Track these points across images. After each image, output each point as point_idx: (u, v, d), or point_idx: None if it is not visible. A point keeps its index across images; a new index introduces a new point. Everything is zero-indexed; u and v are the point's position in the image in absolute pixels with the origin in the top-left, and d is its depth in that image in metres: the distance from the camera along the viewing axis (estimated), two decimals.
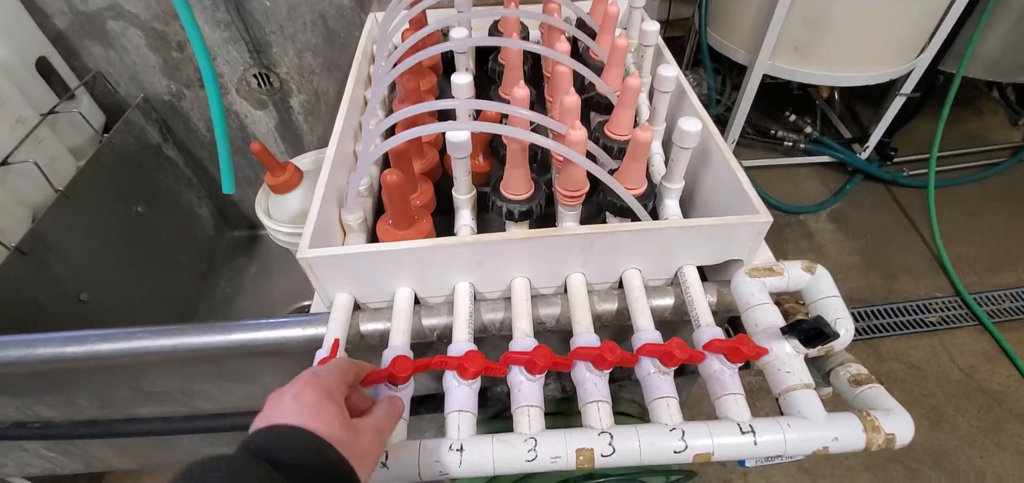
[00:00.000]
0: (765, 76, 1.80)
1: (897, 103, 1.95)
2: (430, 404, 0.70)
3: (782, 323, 0.53)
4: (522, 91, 0.61)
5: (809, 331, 0.49)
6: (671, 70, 0.67)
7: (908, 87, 1.88)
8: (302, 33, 0.98)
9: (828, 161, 2.21)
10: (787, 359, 0.51)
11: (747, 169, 2.19)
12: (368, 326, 0.59)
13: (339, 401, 0.40)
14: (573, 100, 0.61)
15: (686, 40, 2.32)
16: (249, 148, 0.92)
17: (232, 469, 0.31)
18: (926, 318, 1.78)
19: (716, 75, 2.14)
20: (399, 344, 0.55)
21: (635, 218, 0.61)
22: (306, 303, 1.26)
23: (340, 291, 0.59)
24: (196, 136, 1.16)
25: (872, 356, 1.69)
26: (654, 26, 0.76)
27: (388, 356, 0.52)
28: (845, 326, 0.54)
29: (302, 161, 1.06)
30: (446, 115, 0.65)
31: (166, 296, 1.13)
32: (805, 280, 0.58)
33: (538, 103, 0.81)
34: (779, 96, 2.20)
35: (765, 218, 0.56)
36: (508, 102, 0.60)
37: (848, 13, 1.59)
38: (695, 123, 0.57)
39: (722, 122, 2.09)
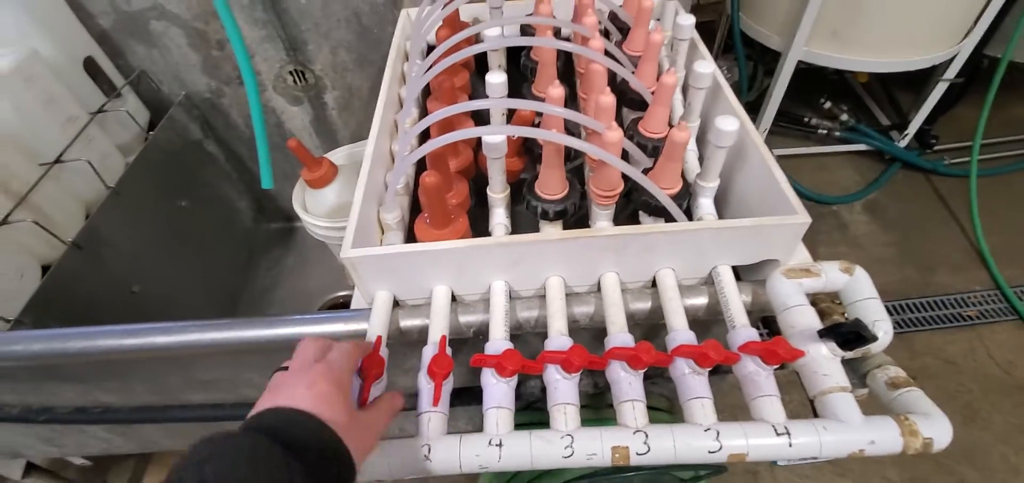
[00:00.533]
0: (800, 62, 1.75)
1: (939, 89, 1.88)
2: (465, 397, 0.72)
3: (818, 325, 0.53)
4: (557, 91, 0.61)
5: (847, 335, 0.49)
6: (707, 66, 0.67)
7: (951, 72, 1.81)
8: (336, 30, 1.00)
9: (864, 149, 2.15)
10: (823, 362, 0.51)
11: (779, 158, 2.14)
12: (407, 322, 0.62)
13: (347, 390, 0.44)
14: (609, 100, 0.61)
15: (717, 24, 2.27)
16: (286, 144, 0.95)
17: (250, 444, 0.34)
18: (963, 312, 1.73)
19: (748, 61, 2.10)
20: (436, 339, 0.57)
21: (669, 217, 0.61)
22: (342, 294, 1.30)
23: (380, 288, 0.61)
24: (235, 132, 1.19)
25: (906, 351, 1.65)
26: (689, 20, 0.75)
27: (427, 353, 0.54)
28: (883, 329, 0.53)
29: (336, 155, 1.09)
30: (479, 113, 0.66)
31: (209, 287, 1.18)
32: (843, 281, 0.58)
33: (571, 99, 0.81)
34: (813, 81, 2.14)
35: (804, 219, 0.55)
36: (542, 100, 0.61)
37: None
38: (733, 122, 0.57)
39: (754, 109, 2.05)
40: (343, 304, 1.32)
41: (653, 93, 0.65)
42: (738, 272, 0.64)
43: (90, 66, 1.02)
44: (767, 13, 1.79)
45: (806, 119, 2.15)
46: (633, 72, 0.74)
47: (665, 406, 0.92)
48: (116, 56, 1.04)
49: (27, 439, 0.96)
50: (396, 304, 0.63)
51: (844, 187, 2.10)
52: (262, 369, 0.77)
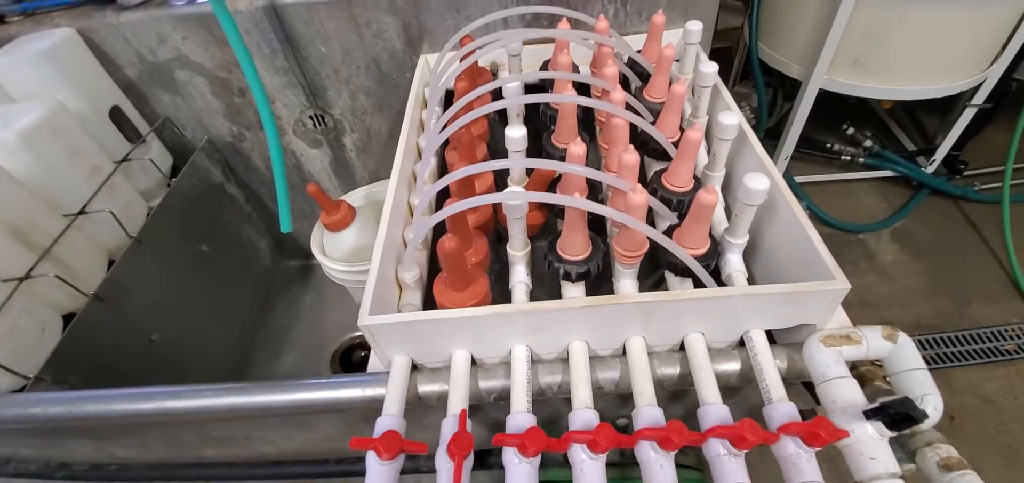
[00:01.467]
0: (821, 90, 1.72)
1: (967, 115, 1.83)
2: (484, 460, 0.70)
3: (862, 399, 0.50)
4: (578, 148, 0.60)
5: (896, 415, 0.46)
6: (733, 118, 0.64)
7: (979, 98, 1.77)
8: (356, 76, 1.00)
9: (890, 175, 2.09)
10: (870, 443, 0.47)
11: (802, 184, 2.11)
12: (426, 388, 0.60)
13: None
14: (632, 158, 0.59)
15: (734, 51, 2.25)
16: (306, 189, 0.94)
17: None
18: (1002, 346, 1.65)
19: (767, 88, 2.07)
20: (456, 411, 0.55)
21: (697, 278, 0.59)
22: (359, 334, 1.29)
23: (398, 353, 0.59)
24: (256, 174, 1.20)
25: (943, 388, 1.56)
26: (712, 67, 0.73)
27: (446, 429, 0.52)
28: (933, 404, 0.50)
29: (354, 196, 1.09)
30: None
31: (228, 328, 1.18)
32: (886, 349, 0.54)
33: (592, 148, 0.80)
34: (835, 107, 2.10)
35: (842, 286, 0.53)
36: (563, 152, 0.59)
37: (913, 25, 1.50)
38: (763, 180, 0.55)
39: (775, 135, 2.01)
40: (361, 344, 1.31)
41: (677, 146, 0.63)
42: (773, 334, 0.61)
43: (115, 115, 1.03)
44: (786, 42, 1.77)
45: (829, 145, 2.11)
46: (653, 122, 0.73)
47: (693, 462, 0.88)
48: (141, 104, 1.06)
49: None
50: (415, 367, 0.62)
51: (871, 214, 2.05)
52: (276, 427, 0.76)
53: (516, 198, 0.56)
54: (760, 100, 1.97)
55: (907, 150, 2.13)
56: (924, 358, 1.66)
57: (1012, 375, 1.61)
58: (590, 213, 0.66)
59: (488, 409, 0.67)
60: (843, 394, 0.51)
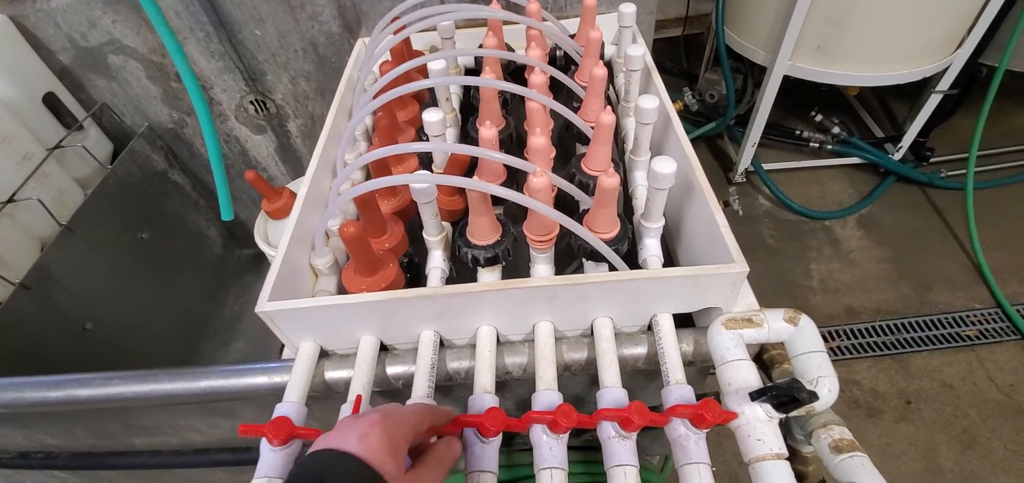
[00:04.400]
0: (786, 76, 1.72)
1: (933, 101, 1.83)
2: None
3: (757, 382, 0.50)
4: (489, 132, 0.59)
5: (782, 397, 0.46)
6: (652, 101, 0.64)
7: (944, 84, 1.77)
8: (294, 60, 0.98)
9: (858, 162, 2.10)
10: (758, 425, 0.47)
11: (770, 172, 2.11)
12: (333, 374, 0.59)
13: (401, 452, 0.40)
14: (540, 142, 0.59)
15: (706, 37, 2.24)
16: (243, 176, 0.93)
17: None
18: (962, 332, 1.67)
19: (737, 74, 2.06)
20: (365, 396, 0.54)
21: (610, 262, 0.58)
22: None
23: (305, 340, 0.59)
24: (201, 161, 1.18)
25: (901, 373, 1.60)
26: (638, 50, 0.72)
27: (344, 413, 0.51)
28: (827, 386, 0.50)
29: (300, 184, 1.07)
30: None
31: (174, 317, 1.16)
32: (788, 332, 0.54)
33: (519, 135, 0.79)
34: (804, 93, 2.10)
35: (741, 269, 0.52)
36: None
37: (875, 10, 1.50)
38: (669, 164, 0.54)
39: (744, 122, 2.01)
40: None
41: (593, 132, 0.62)
42: (695, 320, 0.61)
43: (51, 101, 1.01)
44: (751, 28, 1.76)
45: (797, 132, 2.11)
46: (576, 108, 0.72)
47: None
48: (78, 90, 1.03)
49: None
50: (326, 354, 0.61)
51: (838, 201, 2.06)
52: (198, 415, 0.75)
53: (420, 181, 0.55)
54: (728, 87, 1.96)
55: (875, 137, 2.13)
56: (884, 344, 1.65)
57: (972, 360, 1.62)
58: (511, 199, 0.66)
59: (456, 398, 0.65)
60: (738, 376, 0.50)
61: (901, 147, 1.99)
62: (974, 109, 1.91)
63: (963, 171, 1.91)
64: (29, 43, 0.96)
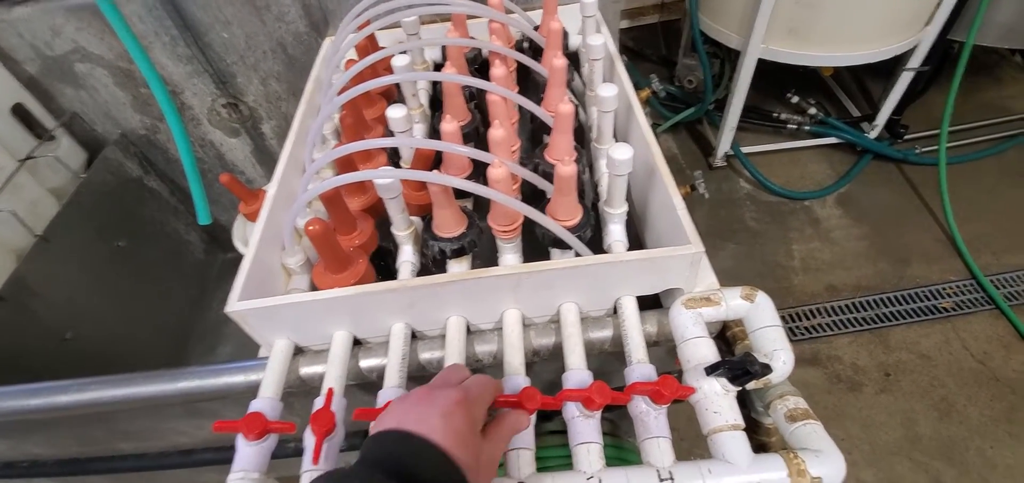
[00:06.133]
0: (761, 60, 1.74)
1: (905, 78, 1.86)
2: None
3: (714, 358, 0.52)
4: (450, 126, 0.60)
5: (735, 370, 0.48)
6: (610, 90, 0.65)
7: (915, 61, 1.80)
8: (264, 62, 0.99)
9: (835, 142, 2.13)
10: (715, 398, 0.49)
11: (749, 154, 2.13)
12: (308, 370, 0.60)
13: (479, 432, 0.39)
14: (499, 134, 0.60)
15: (682, 23, 2.25)
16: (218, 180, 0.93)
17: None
18: (939, 304, 1.71)
19: (714, 59, 2.08)
20: (337, 389, 0.55)
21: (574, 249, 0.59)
22: None
23: (279, 337, 0.60)
24: (177, 166, 1.18)
25: (880, 347, 1.63)
26: (599, 40, 0.73)
27: (316, 407, 0.52)
28: (782, 359, 0.52)
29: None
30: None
31: (157, 324, 1.16)
32: (744, 309, 0.56)
33: (485, 128, 0.80)
34: (780, 76, 2.12)
35: (696, 249, 0.54)
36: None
37: None
38: (625, 150, 0.55)
39: (722, 107, 2.03)
40: None
41: (554, 122, 0.64)
42: (661, 298, 0.63)
43: (20, 112, 1.00)
44: (724, 13, 1.78)
45: (775, 114, 2.13)
46: (540, 99, 0.73)
47: (608, 429, 0.90)
48: (47, 100, 1.03)
49: None
50: (301, 350, 0.62)
51: (817, 181, 2.09)
52: (182, 418, 0.76)
53: (383, 176, 0.56)
54: (705, 72, 1.97)
55: (851, 116, 2.16)
56: (864, 319, 1.68)
57: (948, 331, 1.66)
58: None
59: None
60: (697, 353, 0.52)
61: (876, 125, 2.02)
62: (946, 86, 1.95)
63: (936, 147, 1.94)
64: None
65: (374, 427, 0.38)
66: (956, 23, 1.77)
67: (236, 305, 0.55)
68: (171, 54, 0.95)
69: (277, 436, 0.53)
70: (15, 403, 0.62)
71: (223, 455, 0.78)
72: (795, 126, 2.11)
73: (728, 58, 2.10)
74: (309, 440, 0.50)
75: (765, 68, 1.78)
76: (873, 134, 2.05)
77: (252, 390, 0.60)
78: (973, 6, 1.72)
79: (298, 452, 0.62)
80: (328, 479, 0.32)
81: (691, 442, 1.29)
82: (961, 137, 2.09)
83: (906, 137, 2.05)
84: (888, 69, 1.92)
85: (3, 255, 0.92)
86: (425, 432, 0.35)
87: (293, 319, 0.57)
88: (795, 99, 2.13)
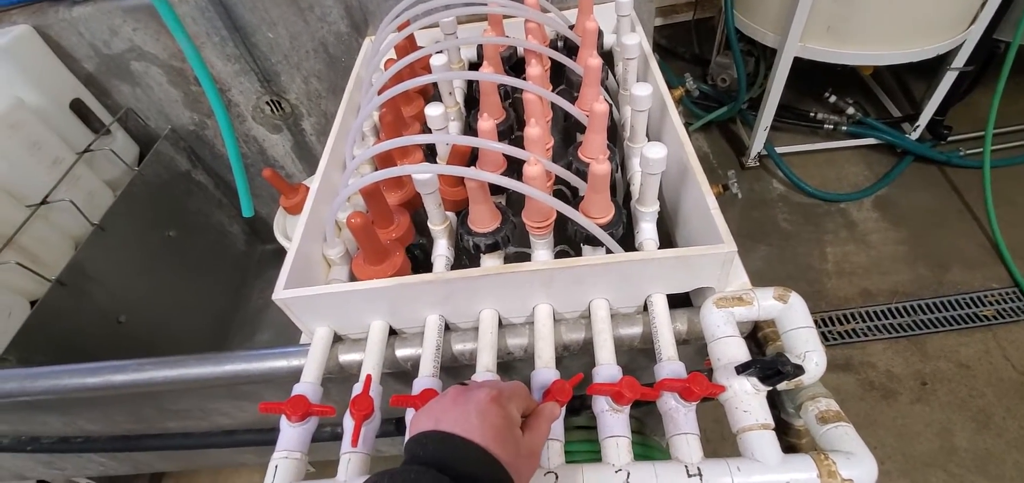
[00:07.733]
0: (797, 58, 1.70)
1: (949, 78, 1.80)
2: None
3: (745, 357, 0.52)
4: (487, 124, 0.62)
5: (767, 370, 0.48)
6: (644, 89, 0.66)
7: (959, 61, 1.73)
8: (306, 61, 1.02)
9: (874, 143, 2.07)
10: (745, 397, 0.50)
11: (784, 155, 2.09)
12: (346, 357, 0.63)
13: (518, 429, 0.40)
14: (535, 132, 0.61)
15: (716, 21, 2.22)
16: (261, 175, 0.97)
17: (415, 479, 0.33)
18: (980, 312, 1.65)
19: (749, 57, 2.05)
20: (375, 376, 0.58)
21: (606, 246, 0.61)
22: None
23: (320, 325, 0.63)
24: (222, 161, 1.23)
25: (917, 354, 1.59)
26: (634, 39, 0.74)
27: (355, 392, 0.55)
28: (814, 360, 0.52)
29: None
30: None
31: (201, 311, 1.22)
32: (777, 310, 0.56)
33: (519, 126, 0.81)
34: (818, 74, 2.07)
35: (729, 248, 0.54)
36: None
37: None
38: (659, 149, 0.56)
39: (756, 106, 2.00)
40: None
41: (588, 121, 0.65)
42: (691, 297, 0.63)
43: (78, 107, 1.06)
44: (760, 10, 1.75)
45: (812, 114, 2.08)
46: (575, 98, 0.74)
47: (635, 427, 0.90)
48: (103, 96, 1.09)
49: (28, 464, 1.02)
50: (340, 338, 0.65)
51: (854, 183, 2.03)
52: (226, 399, 0.80)
53: (420, 171, 0.58)
54: (739, 70, 1.94)
55: (892, 116, 2.10)
56: (900, 325, 1.64)
57: (989, 340, 1.60)
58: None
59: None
60: (728, 352, 0.53)
61: (918, 126, 1.96)
62: (992, 86, 1.87)
63: (981, 149, 1.87)
64: (54, 52, 1.02)
65: (411, 427, 0.39)
66: (1002, 22, 1.71)
67: (282, 293, 0.58)
68: (220, 53, 1.00)
69: (317, 418, 0.56)
70: (78, 380, 0.67)
71: (263, 436, 0.82)
72: (832, 126, 2.05)
73: (763, 56, 2.07)
74: (348, 424, 0.53)
75: (801, 67, 1.74)
76: (914, 135, 1.99)
77: (293, 375, 0.63)
78: (1019, 5, 1.65)
79: (334, 437, 0.65)
80: (380, 479, 0.33)
81: (716, 444, 1.29)
82: (1007, 139, 2.01)
83: (950, 139, 1.98)
84: (931, 68, 1.85)
85: (63, 242, 0.98)
86: (463, 432, 0.36)
87: (334, 308, 0.60)
88: (832, 98, 2.08)
